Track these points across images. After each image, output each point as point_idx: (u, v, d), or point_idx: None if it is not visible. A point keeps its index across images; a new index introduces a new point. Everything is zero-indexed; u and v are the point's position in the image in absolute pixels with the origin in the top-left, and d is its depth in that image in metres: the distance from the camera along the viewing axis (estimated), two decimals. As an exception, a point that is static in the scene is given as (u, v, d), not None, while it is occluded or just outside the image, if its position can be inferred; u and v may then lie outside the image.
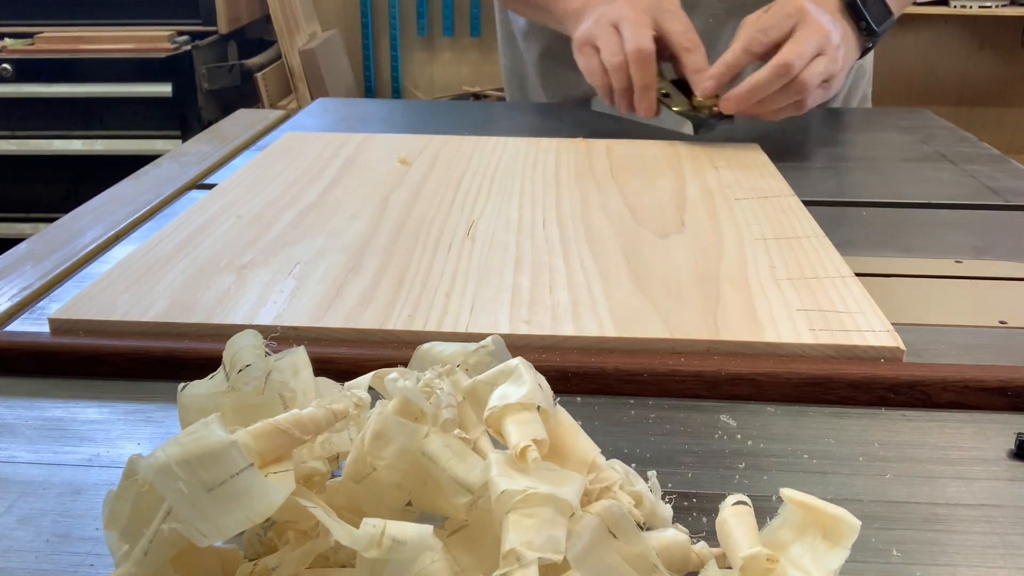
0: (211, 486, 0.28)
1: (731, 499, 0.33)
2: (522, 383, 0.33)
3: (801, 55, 0.80)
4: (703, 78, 0.85)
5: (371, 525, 0.28)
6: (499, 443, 0.33)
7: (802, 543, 0.31)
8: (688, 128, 0.86)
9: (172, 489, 0.28)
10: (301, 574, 0.31)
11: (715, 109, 0.86)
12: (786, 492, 0.32)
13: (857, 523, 0.30)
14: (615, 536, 0.31)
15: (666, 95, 0.88)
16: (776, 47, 0.82)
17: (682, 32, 0.86)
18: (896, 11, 0.90)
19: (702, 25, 1.03)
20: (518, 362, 0.34)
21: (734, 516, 0.32)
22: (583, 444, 0.34)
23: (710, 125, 0.86)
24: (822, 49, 0.82)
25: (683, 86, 0.88)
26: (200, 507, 0.27)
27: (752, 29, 0.83)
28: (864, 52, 0.90)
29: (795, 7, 0.83)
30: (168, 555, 0.30)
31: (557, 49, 1.12)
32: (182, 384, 0.35)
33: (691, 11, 0.91)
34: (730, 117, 0.87)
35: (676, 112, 0.87)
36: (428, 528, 0.29)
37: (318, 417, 0.32)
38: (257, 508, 0.28)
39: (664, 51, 0.88)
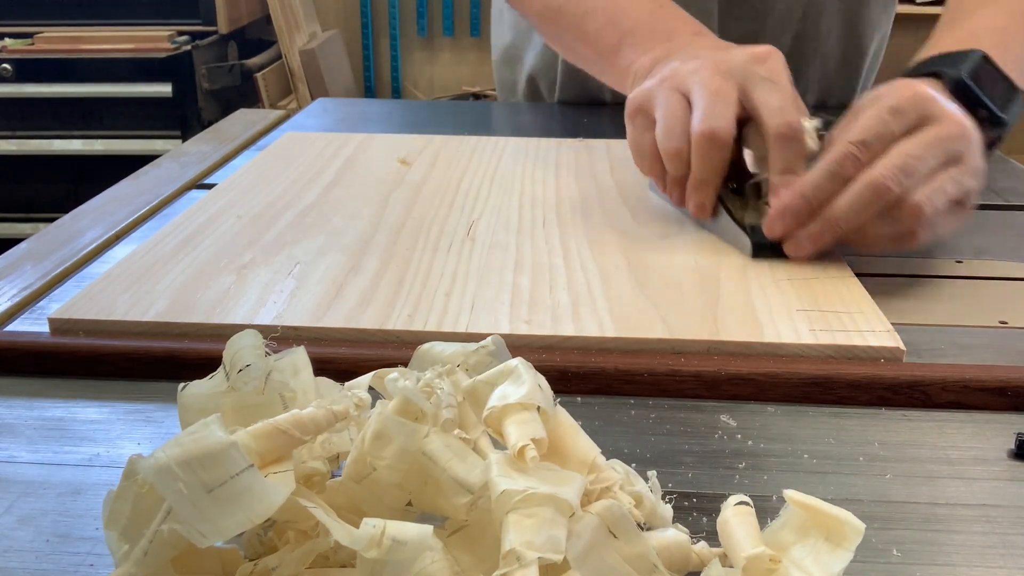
0: (211, 487, 0.28)
1: (733, 499, 0.33)
2: (522, 383, 0.33)
3: (906, 168, 0.56)
4: (780, 197, 0.59)
5: (371, 525, 0.28)
6: (499, 443, 0.33)
7: (804, 545, 0.31)
8: (746, 248, 0.61)
9: (172, 490, 0.28)
10: (301, 574, 0.31)
11: None
12: (789, 494, 0.32)
13: (862, 526, 0.30)
14: (615, 536, 0.31)
15: (735, 189, 0.64)
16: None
17: (777, 109, 0.60)
18: (1023, 84, 0.65)
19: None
20: (518, 362, 0.34)
21: (736, 516, 0.32)
22: (583, 444, 0.34)
23: (775, 250, 0.60)
24: (955, 156, 0.57)
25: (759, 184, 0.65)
26: (200, 508, 0.27)
27: (848, 140, 0.57)
28: (990, 148, 0.62)
29: (912, 95, 0.58)
30: (168, 555, 0.30)
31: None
32: (182, 384, 0.35)
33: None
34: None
35: (737, 221, 0.63)
36: (428, 528, 0.29)
37: (318, 417, 0.32)
38: (257, 509, 0.28)
39: (749, 134, 0.64)
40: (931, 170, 0.57)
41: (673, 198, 0.65)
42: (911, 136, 0.57)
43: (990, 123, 0.61)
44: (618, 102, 1.07)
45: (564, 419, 0.35)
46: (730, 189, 0.64)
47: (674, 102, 0.62)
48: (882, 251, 0.61)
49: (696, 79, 0.62)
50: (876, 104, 0.59)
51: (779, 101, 0.61)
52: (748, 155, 0.65)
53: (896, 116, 0.57)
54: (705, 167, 0.61)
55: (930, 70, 0.63)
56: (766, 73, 0.62)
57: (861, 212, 0.57)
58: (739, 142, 0.63)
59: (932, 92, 0.59)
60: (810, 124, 0.61)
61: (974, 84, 0.61)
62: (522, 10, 0.89)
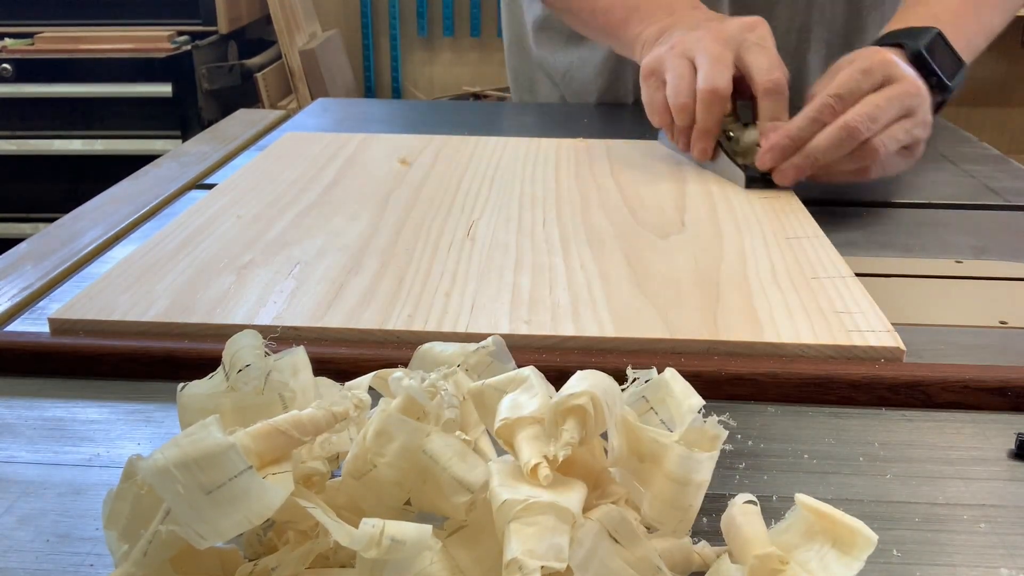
0: (209, 489, 0.28)
1: (740, 498, 0.33)
2: (534, 394, 0.32)
3: (872, 116, 0.69)
4: (769, 139, 0.72)
5: (370, 525, 0.28)
6: (499, 443, 0.33)
7: (808, 549, 0.31)
8: (740, 180, 0.74)
9: (170, 491, 0.28)
10: (301, 574, 0.31)
11: None
12: (801, 498, 0.32)
13: (874, 537, 0.30)
14: (617, 541, 0.31)
15: (730, 137, 0.77)
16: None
17: (765, 70, 0.74)
18: (968, 59, 0.78)
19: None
20: (530, 371, 0.34)
21: (743, 515, 0.32)
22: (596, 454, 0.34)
23: (764, 182, 0.74)
24: (909, 110, 0.71)
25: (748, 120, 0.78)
26: (198, 509, 0.27)
27: (827, 93, 0.71)
28: (936, 110, 0.77)
29: (880, 59, 0.71)
30: (167, 555, 0.30)
31: (577, 58, 1.11)
32: (181, 384, 0.35)
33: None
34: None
35: (733, 160, 0.76)
36: (427, 528, 0.29)
37: (317, 418, 0.32)
38: (255, 510, 0.28)
39: (745, 89, 0.77)
40: (890, 119, 0.70)
41: (680, 144, 0.79)
42: (877, 92, 0.70)
43: (939, 89, 0.75)
44: (605, 102, 1.08)
45: None
46: (727, 137, 0.77)
47: (682, 65, 0.75)
48: (839, 182, 0.74)
49: (700, 46, 0.75)
50: (850, 66, 0.72)
51: (767, 62, 0.75)
52: (744, 107, 0.79)
53: (866, 75, 0.71)
54: (707, 118, 0.75)
55: (894, 41, 0.76)
56: (756, 39, 0.76)
57: (836, 149, 0.69)
58: (732, 97, 0.76)
59: (895, 58, 0.72)
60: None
61: (929, 56, 0.74)
62: None
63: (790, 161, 0.71)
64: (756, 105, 0.75)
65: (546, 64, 1.15)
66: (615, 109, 1.09)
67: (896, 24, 0.80)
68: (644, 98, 0.80)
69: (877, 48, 0.75)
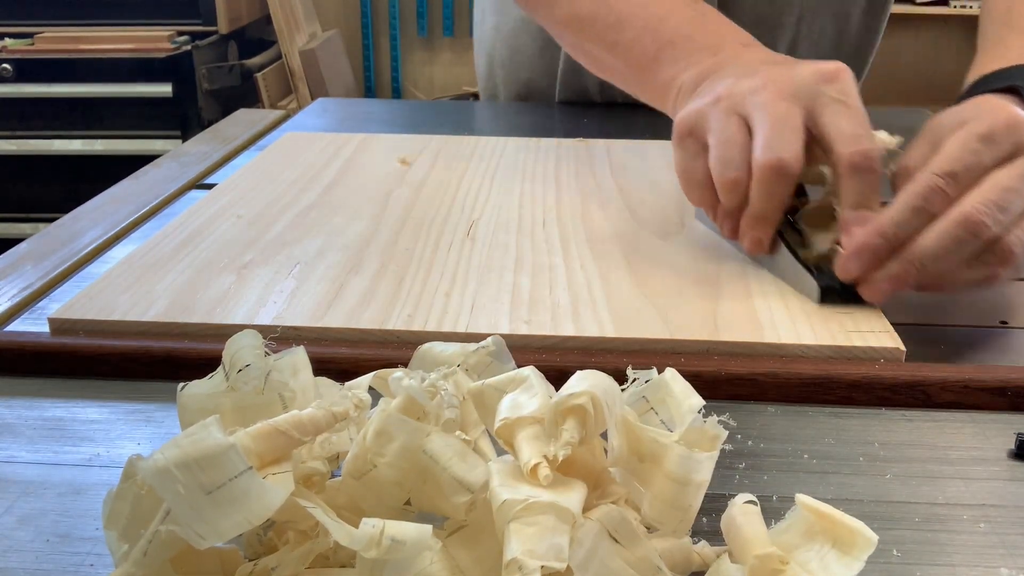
0: (209, 489, 0.28)
1: (740, 498, 0.33)
2: (533, 394, 0.32)
3: (1003, 206, 0.49)
4: (854, 236, 0.52)
5: (370, 525, 0.28)
6: (498, 443, 0.33)
7: (808, 549, 0.31)
8: (812, 292, 0.54)
9: (171, 491, 0.28)
10: (301, 574, 0.31)
11: None
12: (801, 498, 0.32)
13: (874, 537, 0.30)
14: (617, 541, 0.31)
15: (796, 229, 0.57)
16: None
17: (851, 137, 0.53)
18: None
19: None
20: (530, 372, 0.34)
21: (743, 515, 0.32)
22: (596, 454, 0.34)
23: (846, 294, 0.53)
24: None
25: (825, 215, 0.56)
26: (199, 510, 0.27)
27: (933, 172, 0.50)
28: None
29: (1006, 120, 0.51)
30: (167, 555, 0.30)
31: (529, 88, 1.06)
32: (181, 384, 0.35)
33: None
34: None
35: (800, 260, 0.55)
36: (427, 528, 0.29)
37: (318, 418, 0.32)
38: (256, 510, 0.28)
39: (817, 158, 0.56)
40: (1022, 207, 0.50)
41: (725, 231, 0.58)
42: (1003, 167, 0.50)
43: None
44: (607, 102, 1.08)
45: None
46: (788, 222, 0.57)
47: (732, 126, 0.56)
48: (960, 293, 0.56)
49: (757, 100, 0.55)
50: (964, 129, 0.52)
51: (852, 127, 0.53)
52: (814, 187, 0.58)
53: (988, 145, 0.51)
54: (767, 201, 0.54)
55: (1008, 84, 0.57)
56: (836, 94, 0.55)
57: (951, 252, 0.49)
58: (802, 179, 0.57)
59: None
60: (892, 140, 0.55)
61: None
62: (543, 18, 0.81)
63: (885, 270, 0.51)
64: (836, 185, 0.54)
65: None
66: (615, 109, 1.09)
67: (995, 60, 0.61)
68: (677, 167, 0.60)
69: (998, 101, 0.54)
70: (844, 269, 0.52)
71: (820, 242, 0.55)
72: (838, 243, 0.53)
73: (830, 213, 0.55)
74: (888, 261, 0.51)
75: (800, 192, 0.58)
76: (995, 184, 0.50)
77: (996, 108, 0.53)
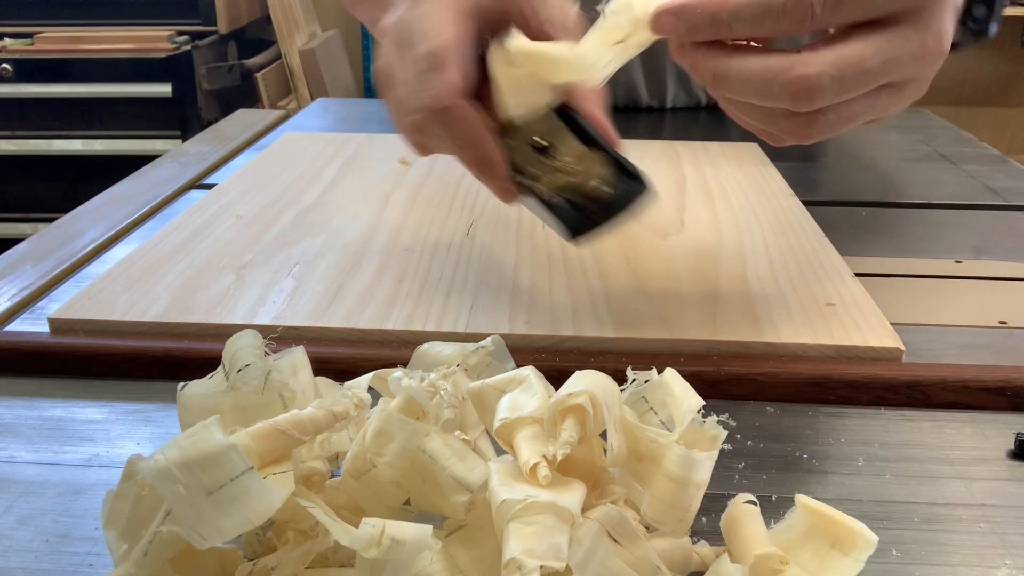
0: (210, 489, 0.28)
1: (740, 498, 0.33)
2: (533, 394, 0.32)
3: (838, 73, 0.41)
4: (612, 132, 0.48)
5: (370, 525, 0.28)
6: (498, 443, 0.33)
7: (807, 549, 0.31)
8: (562, 231, 0.48)
9: (172, 492, 0.28)
10: (300, 574, 0.31)
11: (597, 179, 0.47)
12: (801, 499, 0.32)
13: (874, 538, 0.30)
14: (616, 541, 0.31)
15: (541, 149, 0.48)
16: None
17: (552, 6, 0.47)
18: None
19: None
20: (529, 371, 0.34)
21: (743, 515, 0.32)
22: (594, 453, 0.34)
23: (592, 216, 0.47)
24: (897, 80, 0.43)
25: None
26: (199, 510, 0.28)
27: None
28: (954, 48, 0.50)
29: None
30: (167, 555, 0.30)
31: None
32: (181, 384, 0.35)
33: None
34: (639, 180, 0.48)
35: (546, 202, 0.48)
36: (427, 528, 0.29)
37: (318, 418, 0.32)
38: (256, 510, 0.28)
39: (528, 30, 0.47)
40: (864, 89, 0.43)
41: (481, 177, 0.52)
42: (889, 26, 0.42)
43: (975, 34, 0.57)
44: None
45: None
46: (535, 153, 0.48)
47: (404, 63, 0.47)
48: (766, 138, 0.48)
49: (417, 22, 0.47)
50: None
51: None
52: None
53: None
54: (464, 145, 0.48)
55: None
56: None
57: (760, 21, 0.41)
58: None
59: None
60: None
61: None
62: None
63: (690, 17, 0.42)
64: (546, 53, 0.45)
65: None
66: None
67: None
68: (391, 115, 0.51)
69: None
70: (657, 19, 0.43)
71: (566, 164, 0.47)
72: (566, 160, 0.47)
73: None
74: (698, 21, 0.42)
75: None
76: (854, 45, 0.41)
77: None
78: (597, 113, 0.48)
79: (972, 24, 0.54)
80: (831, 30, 0.43)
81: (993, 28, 0.57)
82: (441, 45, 0.45)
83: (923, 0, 0.42)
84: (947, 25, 0.43)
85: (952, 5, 0.44)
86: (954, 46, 0.50)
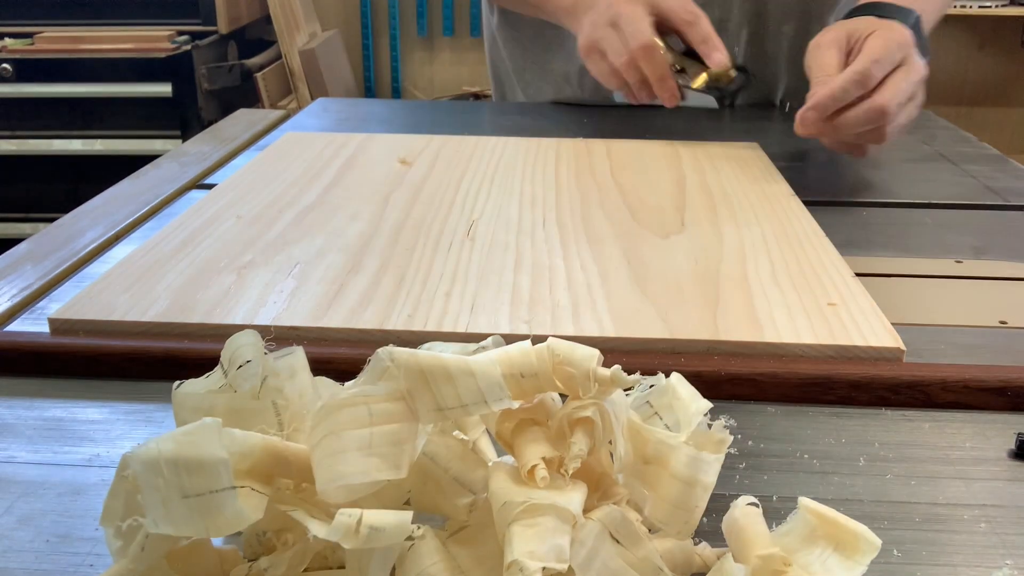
0: (187, 494, 0.28)
1: (742, 500, 0.33)
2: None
3: (901, 101, 0.75)
4: (711, 47, 0.83)
5: (347, 515, 0.28)
6: (497, 443, 0.33)
7: (810, 552, 0.31)
8: (713, 104, 0.88)
9: (150, 483, 0.28)
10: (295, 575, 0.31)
11: (731, 74, 0.86)
12: (804, 502, 0.32)
13: (878, 541, 0.30)
14: (618, 541, 0.31)
15: (681, 70, 0.86)
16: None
17: (680, 7, 0.85)
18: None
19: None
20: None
21: (745, 516, 0.32)
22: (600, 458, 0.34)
23: (730, 93, 0.86)
24: (914, 94, 0.77)
25: (695, 55, 0.86)
26: (168, 508, 0.28)
27: (870, 58, 0.74)
28: None
29: (902, 39, 0.76)
30: (163, 550, 0.30)
31: (533, 55, 1.13)
32: (177, 382, 0.35)
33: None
34: (746, 72, 0.87)
35: (697, 90, 0.86)
36: (407, 514, 0.29)
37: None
38: (217, 525, 0.28)
39: (668, 30, 0.86)
40: (905, 102, 0.76)
41: (644, 98, 0.87)
42: (899, 71, 0.75)
43: None
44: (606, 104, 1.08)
45: None
46: (676, 70, 0.86)
47: (609, 33, 0.86)
48: (837, 150, 0.81)
49: (615, 12, 0.86)
50: (883, 36, 0.76)
51: (677, 2, 0.85)
52: (673, 40, 0.87)
53: (898, 50, 0.75)
54: (654, 68, 0.84)
55: (885, 15, 0.81)
56: None
57: (862, 126, 0.75)
58: (664, 38, 0.86)
59: (911, 39, 0.77)
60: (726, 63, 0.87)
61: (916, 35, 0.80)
62: None
63: (810, 102, 0.75)
64: (684, 39, 0.85)
65: (506, 66, 1.17)
66: (615, 109, 1.09)
67: None
68: (593, 72, 0.90)
69: (893, 24, 0.79)
70: (804, 118, 0.76)
71: (697, 74, 0.87)
72: (711, 74, 0.85)
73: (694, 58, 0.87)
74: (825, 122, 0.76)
75: (671, 49, 0.87)
76: (896, 82, 0.75)
77: (897, 28, 0.78)
78: (702, 47, 0.85)
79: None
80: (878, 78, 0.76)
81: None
82: (647, 39, 0.84)
83: (907, 50, 0.76)
84: (919, 59, 0.77)
85: (914, 48, 0.78)
86: None
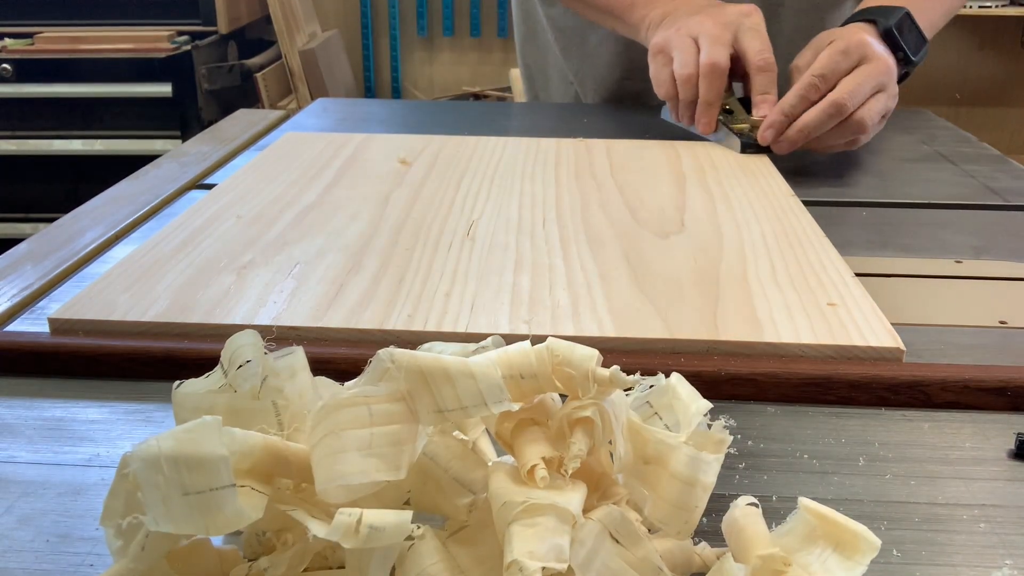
0: (187, 491, 0.28)
1: (742, 500, 0.33)
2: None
3: (854, 93, 0.79)
4: (764, 101, 0.85)
5: (346, 515, 0.28)
6: (497, 443, 0.33)
7: (809, 552, 0.31)
8: (736, 146, 0.85)
9: (151, 480, 0.28)
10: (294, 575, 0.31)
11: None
12: (804, 502, 0.32)
13: (877, 542, 0.30)
14: (618, 541, 0.31)
15: (729, 111, 0.88)
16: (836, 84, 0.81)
17: (758, 51, 0.85)
18: (929, 36, 0.90)
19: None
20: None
21: (745, 516, 0.32)
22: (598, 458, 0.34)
23: (757, 148, 0.84)
24: (882, 86, 0.82)
25: (748, 104, 0.88)
26: (168, 505, 0.28)
27: (811, 73, 0.81)
28: (900, 80, 0.87)
29: (857, 41, 0.82)
30: (163, 550, 0.30)
31: (593, 53, 1.13)
32: (177, 382, 0.35)
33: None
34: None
35: (733, 130, 0.86)
36: (407, 514, 0.29)
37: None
38: (215, 524, 0.28)
39: (739, 69, 0.87)
40: (868, 94, 0.81)
41: (684, 118, 0.89)
42: (855, 70, 0.81)
43: (904, 62, 0.86)
44: (618, 99, 1.08)
45: None
46: (725, 109, 0.89)
47: (687, 44, 0.87)
48: (828, 152, 0.86)
49: (702, 28, 0.87)
50: (830, 46, 0.83)
51: (760, 44, 0.86)
52: (738, 86, 0.90)
53: (844, 56, 0.81)
54: (709, 91, 0.86)
55: (868, 18, 0.87)
56: (751, 24, 0.87)
57: (825, 123, 0.80)
58: (730, 77, 0.87)
59: (869, 38, 0.83)
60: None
61: (898, 33, 0.85)
62: None
63: (785, 135, 0.82)
64: (749, 82, 0.86)
65: (560, 62, 1.16)
66: (615, 109, 1.09)
67: (869, 2, 0.91)
68: (652, 73, 0.90)
69: (854, 28, 0.85)
70: (763, 137, 0.83)
71: (742, 121, 0.88)
72: (752, 124, 0.86)
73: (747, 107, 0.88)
74: (787, 130, 0.82)
75: (729, 90, 0.89)
76: (849, 80, 0.81)
77: (852, 32, 0.84)
78: (757, 98, 0.86)
79: (900, 56, 0.86)
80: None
81: (916, 59, 0.88)
82: (723, 61, 0.85)
83: (864, 49, 0.82)
84: (880, 49, 0.83)
85: (877, 40, 0.84)
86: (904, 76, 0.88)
